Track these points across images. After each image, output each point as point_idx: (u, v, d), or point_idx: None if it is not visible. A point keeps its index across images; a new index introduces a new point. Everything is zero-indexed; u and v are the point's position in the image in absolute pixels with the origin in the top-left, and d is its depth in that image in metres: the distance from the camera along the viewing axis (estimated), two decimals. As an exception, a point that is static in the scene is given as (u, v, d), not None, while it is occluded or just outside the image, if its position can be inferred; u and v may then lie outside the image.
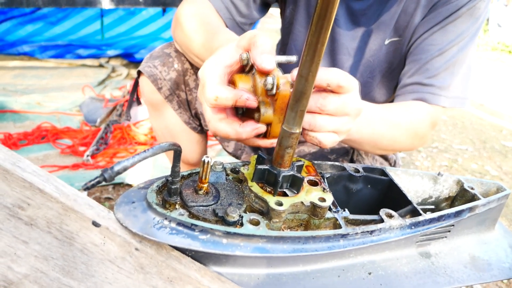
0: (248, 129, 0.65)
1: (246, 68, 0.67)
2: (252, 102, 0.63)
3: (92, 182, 0.42)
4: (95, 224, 0.55)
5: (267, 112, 0.63)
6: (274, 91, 0.60)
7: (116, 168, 0.42)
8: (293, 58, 0.65)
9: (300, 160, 0.66)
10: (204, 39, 0.94)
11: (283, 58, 0.64)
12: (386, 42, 1.12)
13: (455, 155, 2.90)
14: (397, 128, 0.95)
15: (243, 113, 0.70)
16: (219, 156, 2.28)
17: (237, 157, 1.43)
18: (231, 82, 0.67)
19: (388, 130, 0.93)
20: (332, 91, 0.64)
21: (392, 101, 1.30)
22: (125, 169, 0.43)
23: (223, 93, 0.62)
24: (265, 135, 0.67)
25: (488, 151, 3.05)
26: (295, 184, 0.61)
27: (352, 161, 1.21)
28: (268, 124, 0.65)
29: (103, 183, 0.43)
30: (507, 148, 3.17)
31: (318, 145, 0.68)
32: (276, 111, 0.62)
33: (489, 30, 8.03)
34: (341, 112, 0.65)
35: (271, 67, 0.61)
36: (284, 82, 0.60)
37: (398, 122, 0.96)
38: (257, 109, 0.64)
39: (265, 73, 0.62)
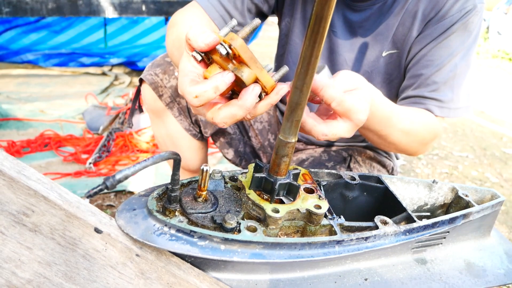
0: (247, 96, 0.62)
1: (208, 62, 0.67)
2: (229, 76, 0.61)
3: (95, 190, 0.44)
4: (97, 230, 0.56)
5: (244, 72, 0.61)
6: (229, 50, 0.59)
7: (118, 177, 0.44)
8: (233, 22, 0.64)
9: (297, 168, 0.67)
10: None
11: (226, 29, 0.63)
12: (384, 54, 1.14)
13: (456, 162, 2.91)
14: (407, 126, 0.95)
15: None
16: (220, 164, 2.30)
17: (237, 164, 1.45)
18: None
19: (400, 125, 0.93)
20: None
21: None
22: (126, 177, 0.45)
23: (199, 88, 0.61)
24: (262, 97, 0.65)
25: (489, 158, 3.05)
26: (292, 191, 0.63)
27: (349, 168, 1.23)
28: (257, 81, 0.63)
29: (105, 190, 0.45)
30: (508, 155, 3.17)
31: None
32: (249, 64, 0.60)
33: (489, 38, 8.05)
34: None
35: (211, 39, 0.60)
36: (231, 37, 0.58)
37: (409, 121, 0.96)
38: (238, 80, 0.62)
39: (215, 48, 0.61)
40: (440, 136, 1.10)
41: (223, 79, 0.61)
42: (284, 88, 0.63)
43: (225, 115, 0.64)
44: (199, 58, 0.64)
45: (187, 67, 0.66)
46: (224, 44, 0.59)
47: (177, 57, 1.07)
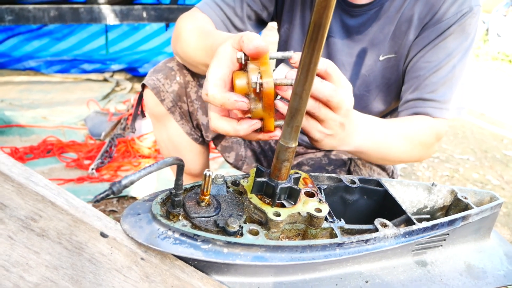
0: (245, 126, 0.67)
1: (243, 66, 0.69)
2: (240, 104, 0.64)
3: (102, 195, 0.45)
4: (103, 235, 0.58)
5: (256, 108, 0.65)
6: (258, 89, 0.62)
7: (124, 182, 0.46)
8: (289, 54, 0.67)
9: (298, 173, 0.69)
10: (205, 49, 0.98)
11: (279, 54, 0.66)
12: (381, 58, 1.15)
13: (456, 165, 2.92)
14: (403, 139, 0.98)
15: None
16: (221, 169, 2.31)
17: (238, 168, 1.46)
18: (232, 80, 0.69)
19: (395, 141, 0.96)
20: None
21: (388, 113, 1.33)
22: (132, 183, 0.46)
23: (213, 91, 0.64)
24: (262, 130, 0.70)
25: (489, 161, 3.06)
26: (292, 195, 0.64)
27: (349, 172, 1.24)
28: (262, 119, 0.67)
29: (111, 196, 0.46)
30: (508, 157, 3.18)
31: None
32: (264, 107, 0.64)
33: (489, 40, 8.07)
34: (331, 102, 0.69)
35: (262, 46, 0.62)
36: (267, 81, 0.61)
37: (403, 134, 0.99)
38: (250, 103, 0.66)
39: (258, 60, 0.64)
40: (442, 136, 1.11)
41: (235, 103, 0.64)
42: (277, 136, 0.70)
43: (219, 127, 0.69)
44: (240, 61, 0.66)
45: (227, 58, 0.68)
46: (259, 79, 0.62)
47: (190, 65, 1.09)
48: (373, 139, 0.88)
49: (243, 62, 0.66)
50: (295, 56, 0.68)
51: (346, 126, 0.75)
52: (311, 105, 0.69)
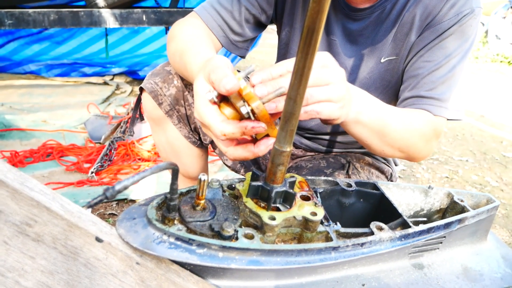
0: (263, 148, 0.70)
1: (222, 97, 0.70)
2: (258, 129, 0.66)
3: (95, 201, 0.46)
4: (98, 239, 0.58)
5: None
6: (252, 117, 0.65)
7: (117, 187, 0.46)
8: (251, 68, 0.69)
9: (294, 176, 0.69)
10: (184, 66, 0.99)
11: (242, 74, 0.68)
12: (383, 60, 1.15)
13: (456, 166, 2.92)
14: (402, 122, 0.97)
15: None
16: (221, 172, 2.31)
17: (236, 171, 1.46)
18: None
19: (394, 120, 0.94)
20: None
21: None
22: (125, 188, 0.47)
23: (229, 129, 0.66)
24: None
25: (489, 162, 3.06)
26: (288, 199, 0.64)
27: (347, 175, 1.24)
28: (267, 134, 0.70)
29: (105, 201, 0.46)
30: (508, 159, 3.18)
31: (317, 116, 0.72)
32: (266, 126, 0.66)
33: (488, 42, 8.08)
34: (322, 82, 0.70)
35: (233, 86, 0.63)
36: (257, 106, 0.64)
37: (402, 117, 0.98)
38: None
39: (237, 94, 0.65)
40: (440, 135, 1.09)
41: (253, 130, 0.66)
42: None
43: (239, 155, 0.72)
44: (215, 94, 0.68)
45: (203, 92, 0.70)
46: (248, 107, 0.64)
47: (179, 68, 1.10)
48: (372, 108, 0.88)
49: (217, 95, 0.68)
50: (257, 69, 0.70)
51: (348, 89, 0.78)
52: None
